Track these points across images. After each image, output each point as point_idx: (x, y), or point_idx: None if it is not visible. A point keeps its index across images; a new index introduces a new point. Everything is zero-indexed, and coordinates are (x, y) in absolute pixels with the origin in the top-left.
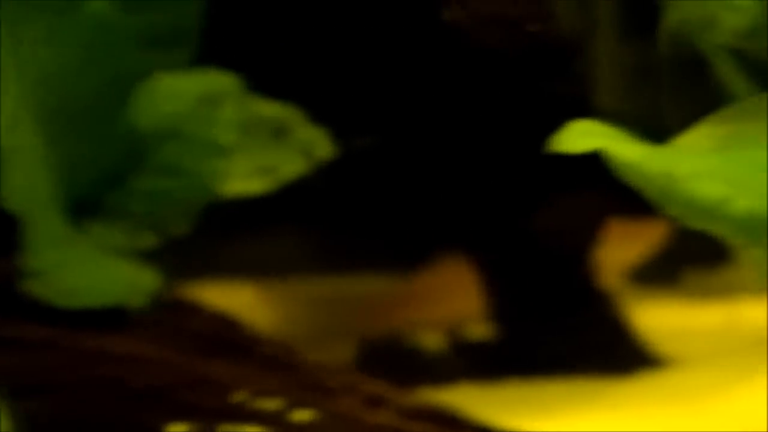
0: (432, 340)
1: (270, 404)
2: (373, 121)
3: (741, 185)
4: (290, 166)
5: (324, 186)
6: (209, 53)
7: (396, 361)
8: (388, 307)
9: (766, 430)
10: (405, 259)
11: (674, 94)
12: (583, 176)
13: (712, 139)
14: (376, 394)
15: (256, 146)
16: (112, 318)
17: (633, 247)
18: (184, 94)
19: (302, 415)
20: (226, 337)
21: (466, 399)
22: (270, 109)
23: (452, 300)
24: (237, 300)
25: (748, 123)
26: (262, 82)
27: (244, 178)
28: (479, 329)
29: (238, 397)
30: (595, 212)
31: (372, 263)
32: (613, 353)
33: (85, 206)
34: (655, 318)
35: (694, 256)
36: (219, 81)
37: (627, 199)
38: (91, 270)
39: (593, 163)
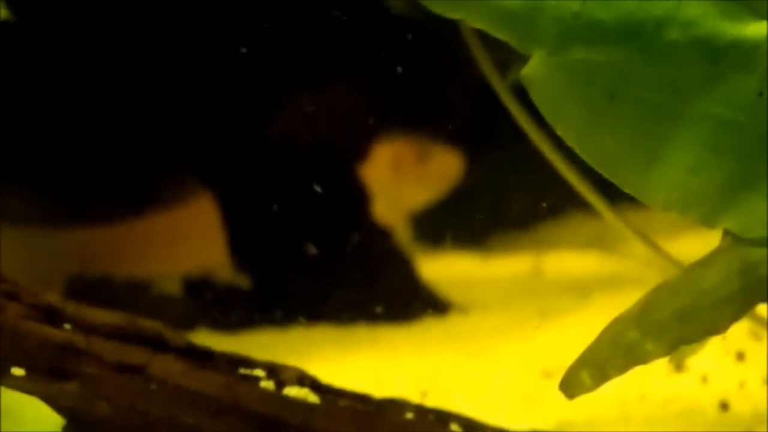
0: (167, 284)
1: None
2: None
3: None
4: None
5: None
6: None
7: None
8: (117, 252)
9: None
10: (141, 201)
11: None
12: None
13: None
14: (50, 307)
15: None
16: None
17: (421, 186)
18: None
19: None
20: None
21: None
22: None
23: (192, 246)
24: None
25: None
26: None
27: None
28: (225, 276)
29: None
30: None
31: (103, 208)
32: (388, 299)
33: None
34: (447, 266)
35: (499, 214)
36: None
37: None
38: None
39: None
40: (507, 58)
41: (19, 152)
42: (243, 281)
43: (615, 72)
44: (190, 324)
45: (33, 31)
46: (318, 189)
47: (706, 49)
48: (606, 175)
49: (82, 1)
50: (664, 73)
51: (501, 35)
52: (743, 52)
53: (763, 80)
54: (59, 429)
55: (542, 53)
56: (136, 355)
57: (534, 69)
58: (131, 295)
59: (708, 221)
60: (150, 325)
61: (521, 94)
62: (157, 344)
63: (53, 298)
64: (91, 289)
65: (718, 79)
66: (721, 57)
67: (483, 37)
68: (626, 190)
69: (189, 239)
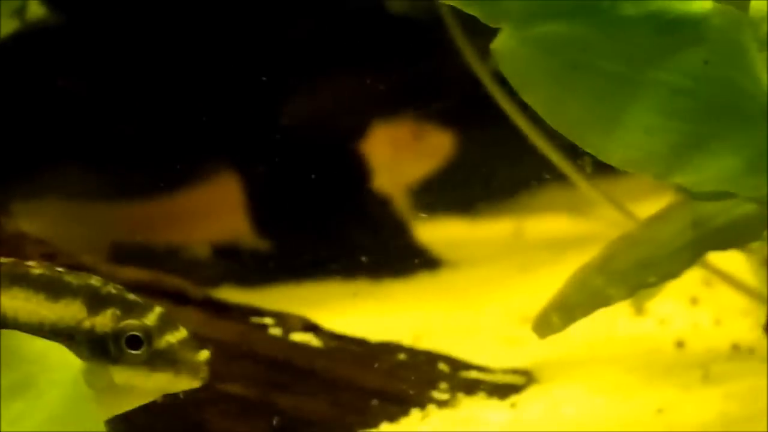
0: (198, 249)
1: None
2: None
3: None
4: None
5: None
6: None
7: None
8: (151, 226)
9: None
10: (175, 178)
11: None
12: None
13: None
14: (84, 266)
15: None
16: None
17: (417, 161)
18: None
19: None
20: None
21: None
22: None
23: (220, 217)
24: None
25: None
26: None
27: None
28: (248, 241)
29: None
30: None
31: (142, 185)
32: (388, 257)
33: None
34: (440, 230)
35: (486, 185)
36: None
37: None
38: None
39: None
40: (487, 46)
41: (68, 137)
42: (263, 245)
43: (576, 44)
44: (217, 282)
45: (74, 22)
46: (326, 166)
47: (658, 23)
48: (570, 137)
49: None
50: (620, 45)
51: (471, 11)
52: (691, 26)
53: (709, 50)
54: (79, 371)
55: (509, 28)
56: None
57: (502, 43)
58: (166, 258)
59: (663, 178)
60: (173, 281)
61: (501, 78)
62: (179, 298)
63: (87, 258)
64: (131, 254)
65: (669, 50)
66: (671, 30)
67: (466, 28)
68: (589, 151)
69: (216, 211)
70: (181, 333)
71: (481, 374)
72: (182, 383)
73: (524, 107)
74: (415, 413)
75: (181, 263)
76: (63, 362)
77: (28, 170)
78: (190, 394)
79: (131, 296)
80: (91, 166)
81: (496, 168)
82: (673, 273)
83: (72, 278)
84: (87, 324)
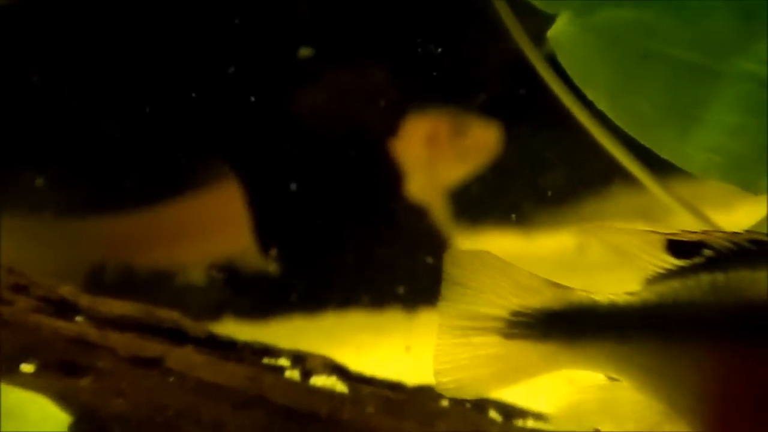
0: (192, 272)
1: None
2: None
3: None
4: None
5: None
6: None
7: (139, 293)
8: (142, 240)
9: None
10: (166, 186)
11: None
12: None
13: None
14: (62, 299)
15: None
16: None
17: (457, 161)
18: None
19: None
20: None
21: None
22: None
23: (218, 232)
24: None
25: None
26: None
27: None
28: (253, 261)
29: None
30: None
31: (127, 195)
32: (429, 281)
33: None
34: (487, 245)
35: (540, 189)
36: None
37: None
38: None
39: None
40: (540, 28)
41: (37, 140)
42: (271, 267)
43: (646, 30)
44: (216, 313)
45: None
46: (348, 168)
47: (739, 4)
48: (640, 139)
49: None
50: (697, 30)
51: None
52: None
53: None
54: (65, 428)
55: (569, 13)
56: (152, 348)
57: (561, 30)
58: (155, 284)
59: (751, 186)
60: (168, 315)
61: (557, 65)
62: (176, 335)
63: (66, 290)
64: (114, 279)
65: (753, 35)
66: (755, 13)
67: (515, 7)
68: (662, 155)
69: (215, 225)
70: None
71: (539, 423)
72: None
73: (585, 99)
74: None
75: (174, 290)
76: (46, 417)
77: None
78: None
79: None
80: (65, 175)
81: (552, 169)
82: None
83: None
84: None
